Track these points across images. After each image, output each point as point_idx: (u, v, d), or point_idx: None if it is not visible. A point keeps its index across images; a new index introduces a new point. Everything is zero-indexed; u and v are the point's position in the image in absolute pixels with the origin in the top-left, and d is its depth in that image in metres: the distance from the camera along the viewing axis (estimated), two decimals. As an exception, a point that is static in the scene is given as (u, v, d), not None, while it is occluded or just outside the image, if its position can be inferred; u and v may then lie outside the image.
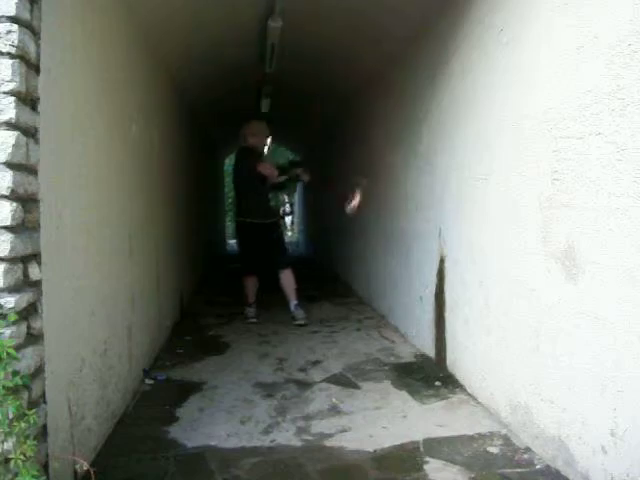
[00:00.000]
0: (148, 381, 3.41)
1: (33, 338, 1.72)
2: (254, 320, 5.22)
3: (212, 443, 2.58)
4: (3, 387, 1.43)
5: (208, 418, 2.88)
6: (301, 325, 5.02)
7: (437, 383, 3.33)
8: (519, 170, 2.54)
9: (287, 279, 5.30)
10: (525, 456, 2.38)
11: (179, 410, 2.99)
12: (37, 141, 1.78)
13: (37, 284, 1.78)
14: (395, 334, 4.59)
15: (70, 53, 2.21)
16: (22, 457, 1.40)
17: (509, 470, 2.27)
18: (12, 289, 1.61)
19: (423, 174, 3.97)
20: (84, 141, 2.38)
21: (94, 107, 2.57)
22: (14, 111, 1.62)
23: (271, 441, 2.61)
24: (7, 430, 1.41)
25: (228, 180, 17.41)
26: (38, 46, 1.79)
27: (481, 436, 2.60)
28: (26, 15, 1.70)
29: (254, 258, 5.36)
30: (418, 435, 2.61)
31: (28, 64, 1.71)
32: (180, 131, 5.71)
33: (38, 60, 1.79)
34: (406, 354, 4.02)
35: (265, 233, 5.27)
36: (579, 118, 2.05)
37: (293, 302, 5.24)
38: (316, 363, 3.84)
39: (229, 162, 17.31)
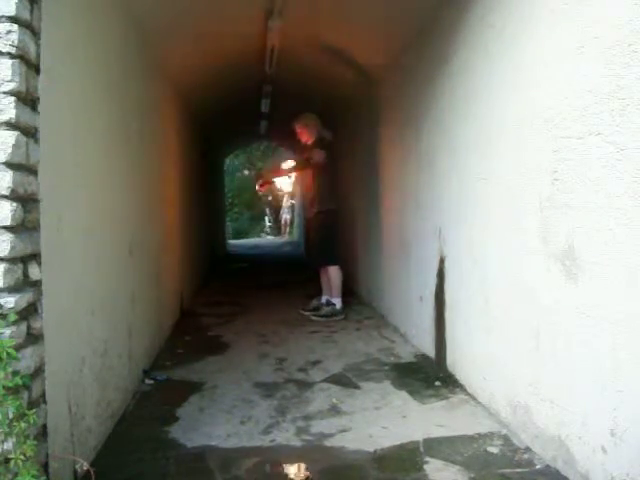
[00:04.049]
0: (148, 381, 3.41)
1: (33, 338, 1.72)
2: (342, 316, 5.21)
3: (212, 443, 2.58)
4: (3, 387, 1.43)
5: (208, 418, 2.88)
6: (311, 318, 5.16)
7: (437, 383, 3.33)
8: (519, 170, 2.53)
9: (325, 275, 5.42)
10: (525, 456, 2.38)
11: (179, 410, 2.99)
12: (37, 141, 1.78)
13: (37, 284, 1.78)
14: (395, 334, 4.59)
15: (70, 53, 2.21)
16: (22, 457, 1.40)
17: (509, 470, 2.27)
18: (12, 289, 1.61)
19: (423, 174, 3.97)
20: (84, 141, 2.38)
21: (94, 107, 2.57)
22: (14, 111, 1.62)
23: (271, 441, 2.61)
24: (7, 430, 1.41)
25: (228, 180, 17.44)
26: (38, 46, 1.79)
27: (481, 436, 2.60)
28: (26, 15, 1.70)
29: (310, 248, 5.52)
30: (418, 435, 2.61)
31: (28, 64, 1.71)
32: (180, 130, 5.71)
33: (38, 60, 1.79)
34: (406, 354, 4.01)
35: (313, 225, 5.37)
36: (579, 118, 2.05)
37: (325, 297, 5.37)
38: (316, 363, 3.84)
39: (229, 162, 17.34)
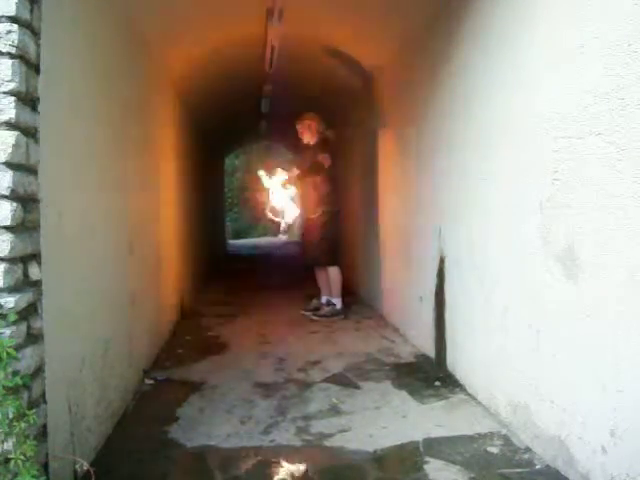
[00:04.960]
0: (148, 381, 3.41)
1: (33, 338, 1.72)
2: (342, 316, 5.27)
3: (212, 443, 2.58)
4: (3, 387, 1.43)
5: (208, 418, 2.88)
6: (311, 318, 5.17)
7: (437, 383, 3.32)
8: (519, 170, 2.53)
9: (322, 275, 5.41)
10: (525, 456, 2.38)
11: (179, 410, 2.99)
12: (37, 141, 1.78)
13: (37, 284, 1.78)
14: (395, 334, 4.59)
15: (70, 53, 2.21)
16: (22, 457, 1.40)
17: (509, 470, 2.27)
18: (12, 289, 1.61)
19: (423, 173, 3.97)
20: (84, 141, 2.38)
21: (94, 107, 2.57)
22: (14, 111, 1.62)
23: (271, 441, 2.61)
24: (7, 430, 1.41)
25: (228, 180, 17.47)
26: (38, 46, 1.79)
27: (481, 436, 2.59)
28: (26, 15, 1.70)
29: (306, 248, 5.55)
30: (418, 435, 2.61)
31: (28, 64, 1.71)
32: (180, 130, 5.70)
33: (38, 60, 1.79)
34: (406, 354, 4.01)
35: (314, 226, 5.37)
36: (579, 118, 2.05)
37: (325, 297, 5.37)
38: (316, 363, 3.84)
39: (229, 162, 17.36)
